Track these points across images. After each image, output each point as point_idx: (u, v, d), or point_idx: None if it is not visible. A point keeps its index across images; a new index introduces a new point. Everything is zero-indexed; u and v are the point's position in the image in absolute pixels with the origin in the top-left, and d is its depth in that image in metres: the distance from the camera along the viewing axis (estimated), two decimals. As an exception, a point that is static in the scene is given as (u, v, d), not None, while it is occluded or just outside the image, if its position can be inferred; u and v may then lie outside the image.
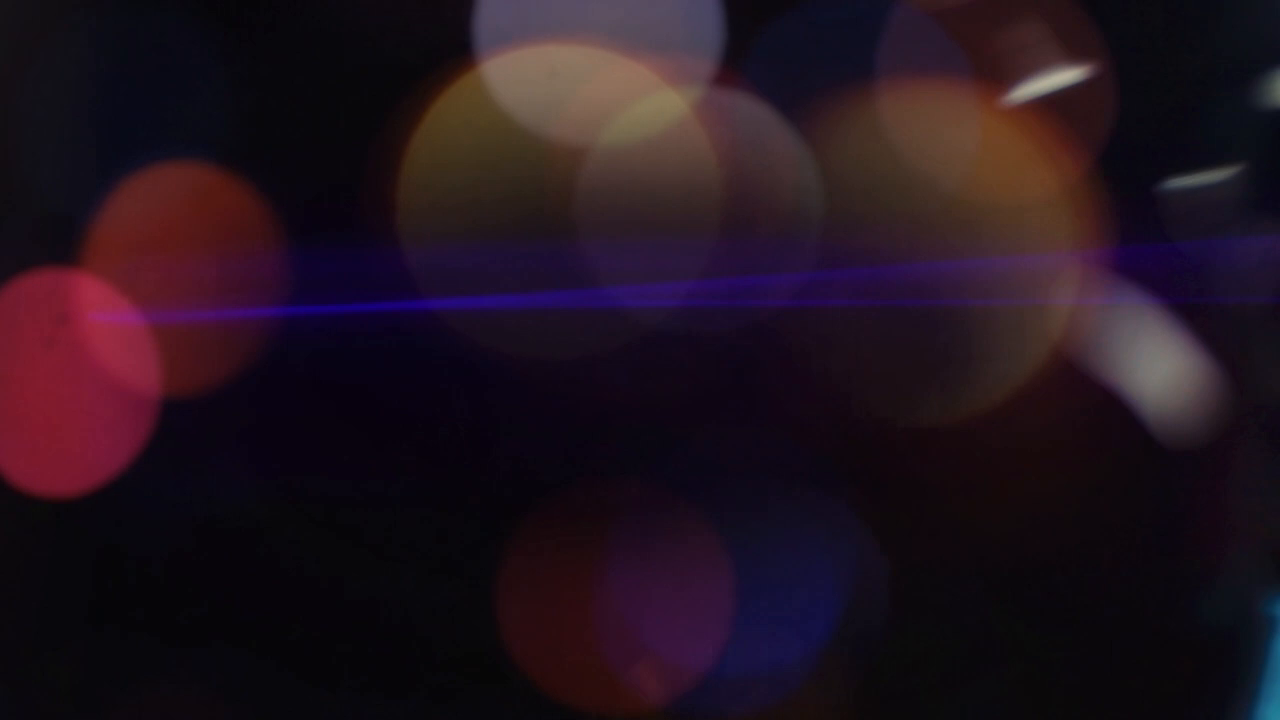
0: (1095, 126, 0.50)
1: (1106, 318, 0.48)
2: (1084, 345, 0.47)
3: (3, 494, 0.49)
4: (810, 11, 0.46)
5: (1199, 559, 0.52)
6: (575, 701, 0.46)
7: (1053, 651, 0.50)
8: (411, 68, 0.45)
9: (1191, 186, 0.51)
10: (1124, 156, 0.48)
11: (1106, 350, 0.47)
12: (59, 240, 0.47)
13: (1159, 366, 0.49)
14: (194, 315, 0.45)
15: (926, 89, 0.47)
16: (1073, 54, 0.49)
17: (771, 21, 0.46)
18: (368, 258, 0.44)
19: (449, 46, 0.44)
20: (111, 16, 0.47)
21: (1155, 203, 0.49)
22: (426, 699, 0.47)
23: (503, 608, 0.45)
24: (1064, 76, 0.50)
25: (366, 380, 0.45)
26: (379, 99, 0.45)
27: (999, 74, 0.48)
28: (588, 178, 0.44)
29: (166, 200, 0.45)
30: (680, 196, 0.44)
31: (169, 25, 0.46)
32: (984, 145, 0.49)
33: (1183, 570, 0.51)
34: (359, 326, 0.45)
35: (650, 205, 0.44)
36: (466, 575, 0.45)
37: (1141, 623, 0.51)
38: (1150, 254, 0.49)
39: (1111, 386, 0.47)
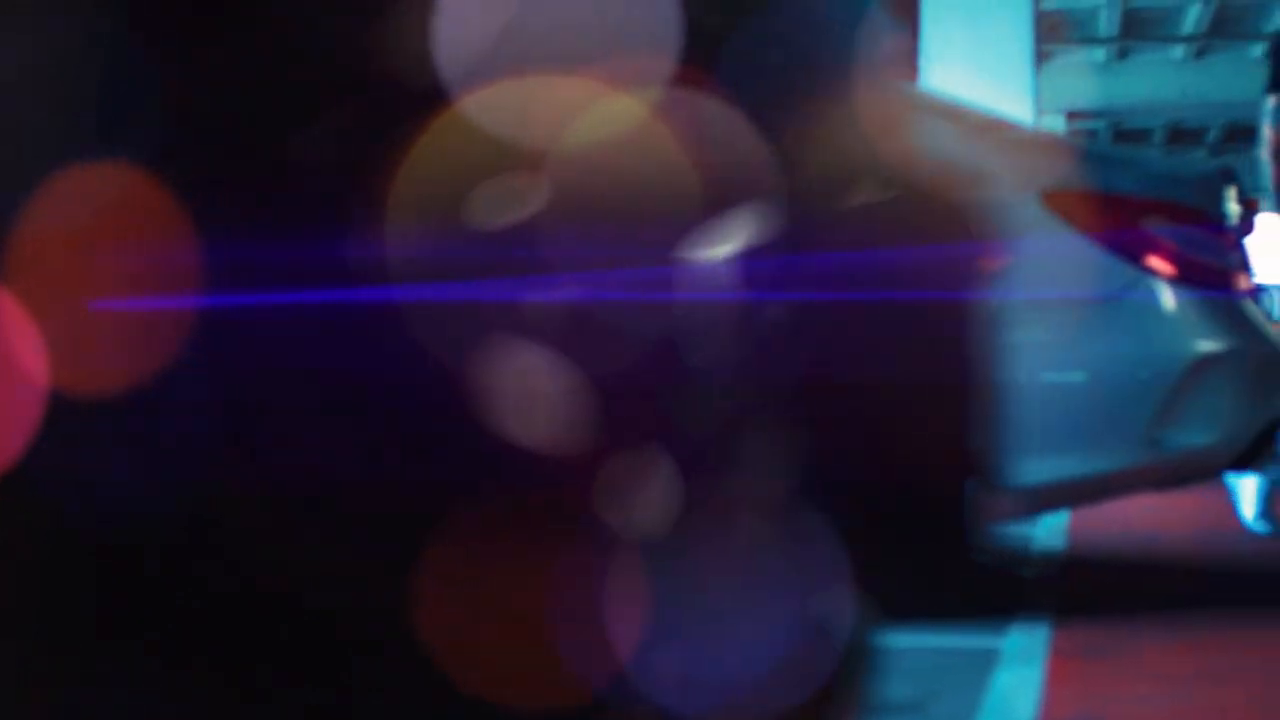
0: None
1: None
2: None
3: None
4: (771, 12, 0.47)
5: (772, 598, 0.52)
6: (528, 699, 0.46)
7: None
8: (390, 68, 0.45)
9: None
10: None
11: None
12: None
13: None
14: (135, 307, 0.46)
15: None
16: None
17: (736, 22, 0.46)
18: (312, 249, 0.45)
19: (422, 46, 0.45)
20: (62, 17, 0.48)
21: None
22: (364, 691, 0.46)
23: (444, 603, 0.45)
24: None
25: (312, 370, 0.45)
26: (355, 98, 0.45)
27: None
28: (554, 176, 0.45)
29: (99, 198, 0.46)
30: (644, 192, 0.45)
31: (107, 31, 0.47)
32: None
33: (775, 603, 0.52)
34: (307, 316, 0.45)
35: (615, 201, 0.45)
36: (406, 567, 0.45)
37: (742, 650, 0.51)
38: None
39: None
